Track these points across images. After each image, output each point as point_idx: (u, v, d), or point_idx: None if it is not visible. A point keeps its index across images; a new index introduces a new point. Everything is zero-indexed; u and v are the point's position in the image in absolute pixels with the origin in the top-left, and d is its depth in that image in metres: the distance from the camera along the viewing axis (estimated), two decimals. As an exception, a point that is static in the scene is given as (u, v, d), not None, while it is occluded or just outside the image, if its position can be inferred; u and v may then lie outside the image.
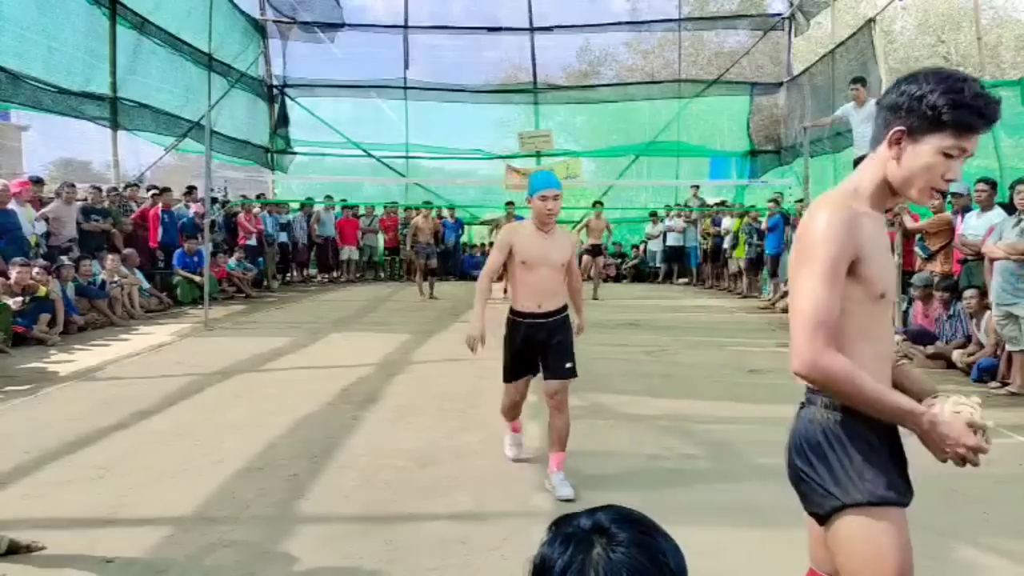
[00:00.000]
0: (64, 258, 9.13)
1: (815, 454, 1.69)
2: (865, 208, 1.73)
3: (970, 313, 7.03)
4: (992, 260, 6.31)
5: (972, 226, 7.07)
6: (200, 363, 7.03)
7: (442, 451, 4.53)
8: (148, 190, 12.54)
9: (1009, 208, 6.57)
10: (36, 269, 8.24)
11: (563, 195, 3.95)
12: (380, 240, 17.12)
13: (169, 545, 3.22)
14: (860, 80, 8.70)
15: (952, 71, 1.69)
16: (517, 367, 3.98)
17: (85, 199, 10.76)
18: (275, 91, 19.20)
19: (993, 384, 6.38)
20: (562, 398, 3.87)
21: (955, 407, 1.64)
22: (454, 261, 17.48)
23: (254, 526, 3.43)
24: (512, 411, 4.14)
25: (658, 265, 17.21)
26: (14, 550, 3.03)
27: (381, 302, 12.86)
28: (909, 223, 8.00)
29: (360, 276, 16.97)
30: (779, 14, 18.36)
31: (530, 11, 18.86)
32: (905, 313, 8.15)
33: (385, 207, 17.56)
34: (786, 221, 12.48)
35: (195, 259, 11.40)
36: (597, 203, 14.14)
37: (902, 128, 1.67)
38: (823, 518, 1.70)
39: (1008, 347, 6.31)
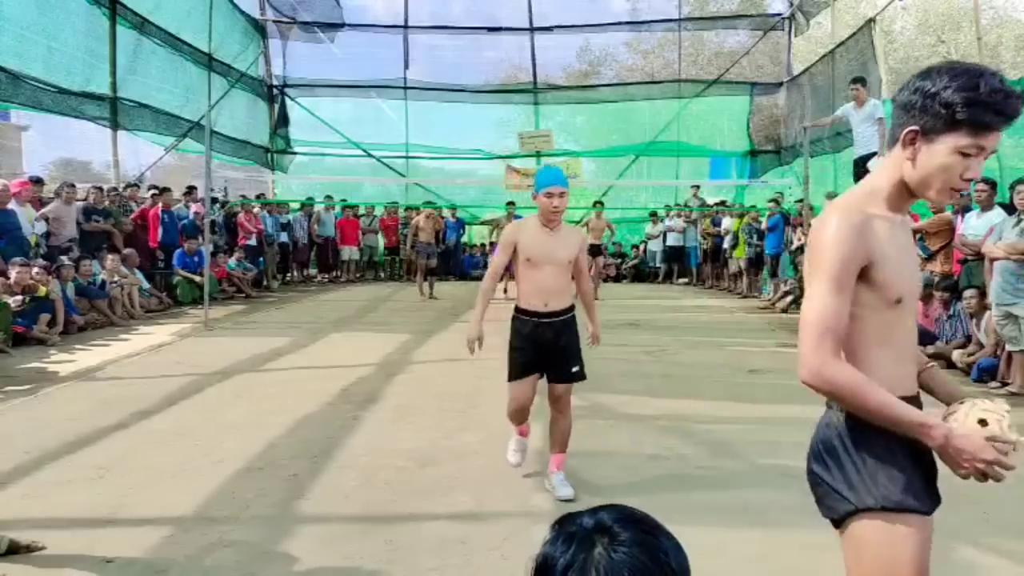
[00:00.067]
0: (64, 258, 9.13)
1: (831, 458, 1.67)
2: (881, 211, 1.68)
3: (970, 313, 7.03)
4: (992, 260, 6.31)
5: (972, 226, 7.07)
6: (200, 363, 7.03)
7: (442, 451, 4.53)
8: (148, 190, 12.53)
9: (1009, 208, 6.57)
10: (36, 269, 8.24)
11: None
12: (380, 240, 17.12)
13: (169, 545, 3.22)
14: (860, 80, 8.70)
15: (969, 65, 1.61)
16: (523, 364, 3.80)
17: (85, 199, 10.76)
18: (275, 91, 19.19)
19: (993, 384, 6.38)
20: (566, 401, 3.85)
21: (981, 413, 1.58)
22: (455, 261, 17.49)
23: (254, 526, 3.43)
24: (519, 415, 3.97)
25: (658, 265, 17.21)
26: (14, 550, 3.03)
27: (381, 302, 12.86)
28: (909, 223, 8.01)
29: (360, 276, 16.97)
30: (779, 14, 18.36)
31: (530, 11, 18.87)
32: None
33: (385, 207, 17.56)
34: (786, 221, 12.48)
35: (195, 259, 11.40)
36: (597, 203, 14.15)
37: (915, 128, 1.62)
38: (838, 523, 1.67)
39: (1008, 347, 6.31)
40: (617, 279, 17.16)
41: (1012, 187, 6.34)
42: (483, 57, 20.03)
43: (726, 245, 14.64)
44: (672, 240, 16.66)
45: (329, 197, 17.11)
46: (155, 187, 12.55)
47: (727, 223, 14.74)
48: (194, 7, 14.94)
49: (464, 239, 18.25)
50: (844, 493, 1.63)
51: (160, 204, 11.76)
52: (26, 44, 10.39)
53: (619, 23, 19.88)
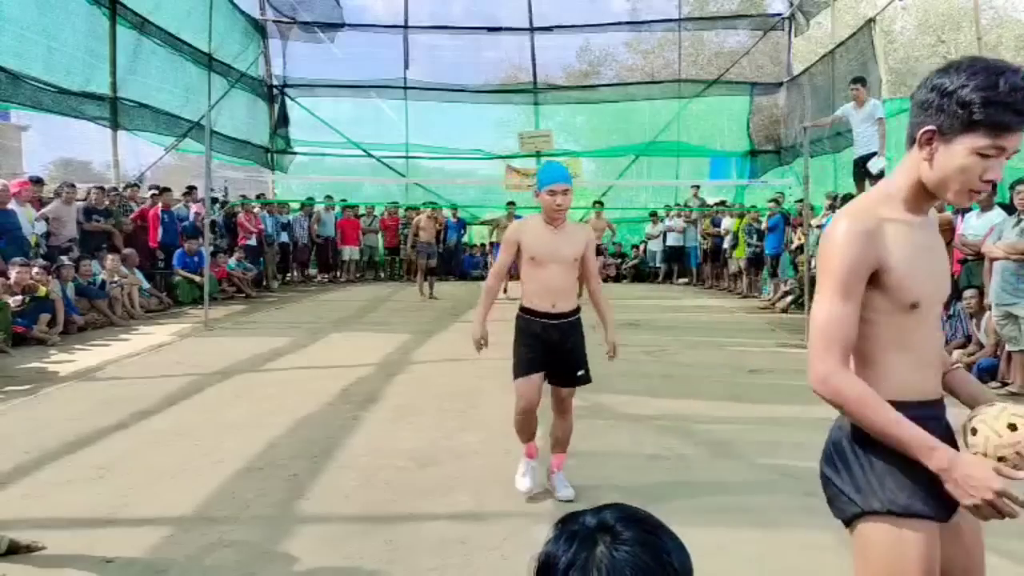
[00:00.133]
0: (64, 258, 9.13)
1: (840, 460, 1.66)
2: (898, 213, 1.63)
3: (970, 313, 7.03)
4: (992, 260, 6.31)
5: (972, 226, 7.07)
6: (200, 363, 7.03)
7: (442, 451, 4.53)
8: (149, 190, 12.53)
9: (1009, 208, 6.58)
10: (36, 269, 8.24)
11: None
12: (380, 240, 17.12)
13: (169, 545, 3.22)
14: (860, 80, 8.70)
15: (990, 61, 1.54)
16: (531, 361, 3.66)
17: (86, 199, 10.75)
18: (275, 91, 19.20)
19: (993, 384, 6.38)
20: (569, 403, 3.81)
21: (1011, 418, 1.53)
22: (455, 261, 17.50)
23: (254, 526, 3.43)
24: (526, 421, 3.77)
25: (658, 265, 17.21)
26: (14, 550, 3.03)
27: (381, 302, 12.86)
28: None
29: (360, 276, 16.98)
30: (779, 14, 18.36)
31: (530, 11, 18.87)
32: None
33: (386, 207, 17.56)
34: (786, 221, 12.49)
35: (195, 259, 11.40)
36: (597, 203, 14.14)
37: (932, 128, 1.56)
38: (847, 524, 1.66)
39: (1008, 347, 6.31)
40: (617, 279, 17.17)
41: (1012, 187, 6.35)
42: (483, 57, 20.05)
43: (726, 245, 14.64)
44: (672, 240, 16.66)
45: (329, 197, 17.12)
46: (155, 187, 12.56)
47: (727, 223, 14.74)
48: (194, 7, 14.95)
49: (464, 239, 18.25)
50: (852, 495, 1.62)
51: (160, 204, 11.76)
52: (26, 44, 10.39)
53: (619, 23, 19.89)
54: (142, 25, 13.14)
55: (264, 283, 14.28)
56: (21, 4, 10.35)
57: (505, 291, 12.59)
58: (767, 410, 5.54)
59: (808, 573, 3.05)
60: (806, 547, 3.22)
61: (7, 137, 18.40)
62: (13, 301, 7.72)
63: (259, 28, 18.38)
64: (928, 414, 1.63)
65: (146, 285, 10.79)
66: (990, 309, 6.51)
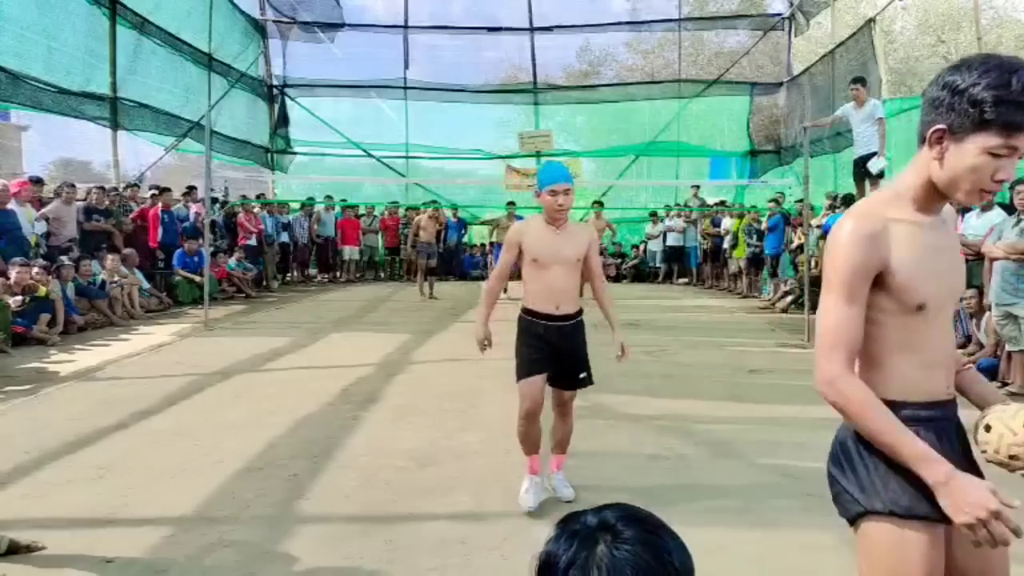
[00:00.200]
0: (64, 258, 9.13)
1: (846, 459, 1.66)
2: (906, 214, 1.61)
3: (970, 313, 7.03)
4: (992, 260, 6.31)
5: (972, 226, 7.07)
6: (200, 363, 7.03)
7: (442, 451, 4.53)
8: (149, 190, 12.53)
9: (1009, 208, 6.58)
10: (36, 269, 8.24)
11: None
12: (380, 240, 17.12)
13: (169, 545, 3.22)
14: (860, 80, 8.70)
15: (1004, 59, 1.50)
16: (535, 362, 3.60)
17: (85, 199, 10.75)
18: (275, 91, 19.20)
19: (993, 384, 6.38)
20: (571, 406, 3.79)
21: None
22: (456, 261, 17.50)
23: (254, 526, 3.43)
24: (531, 426, 3.66)
25: (658, 265, 17.21)
26: (14, 550, 3.03)
27: (381, 302, 12.86)
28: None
29: (360, 276, 16.98)
30: (779, 14, 18.37)
31: (530, 11, 18.87)
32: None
33: (386, 207, 17.56)
34: (786, 221, 12.49)
35: (195, 259, 11.40)
36: (596, 203, 14.12)
37: (942, 127, 1.53)
38: (850, 523, 1.67)
39: (1008, 347, 6.31)
40: (617, 279, 17.16)
41: (1012, 187, 6.34)
42: (483, 57, 20.05)
43: (726, 245, 14.64)
44: (672, 240, 16.66)
45: (329, 197, 17.12)
46: (155, 187, 12.56)
47: (727, 223, 14.74)
48: (194, 7, 14.95)
49: (465, 239, 18.26)
50: (856, 495, 1.62)
51: (160, 204, 11.76)
52: (26, 44, 10.40)
53: (619, 23, 19.89)
54: (142, 25, 13.14)
55: (264, 283, 14.28)
56: (21, 4, 10.35)
57: (505, 291, 12.60)
58: (767, 410, 5.54)
59: (808, 573, 3.05)
60: (806, 547, 3.22)
61: (7, 137, 18.40)
62: (13, 302, 7.72)
63: (259, 28, 18.38)
64: (937, 415, 1.62)
65: (146, 285, 10.79)
66: (990, 309, 6.51)
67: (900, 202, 1.63)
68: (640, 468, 4.24)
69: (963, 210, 7.44)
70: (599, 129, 21.41)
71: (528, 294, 3.66)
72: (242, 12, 17.26)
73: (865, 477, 1.62)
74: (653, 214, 17.50)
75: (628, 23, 20.02)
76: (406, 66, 19.24)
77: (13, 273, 7.97)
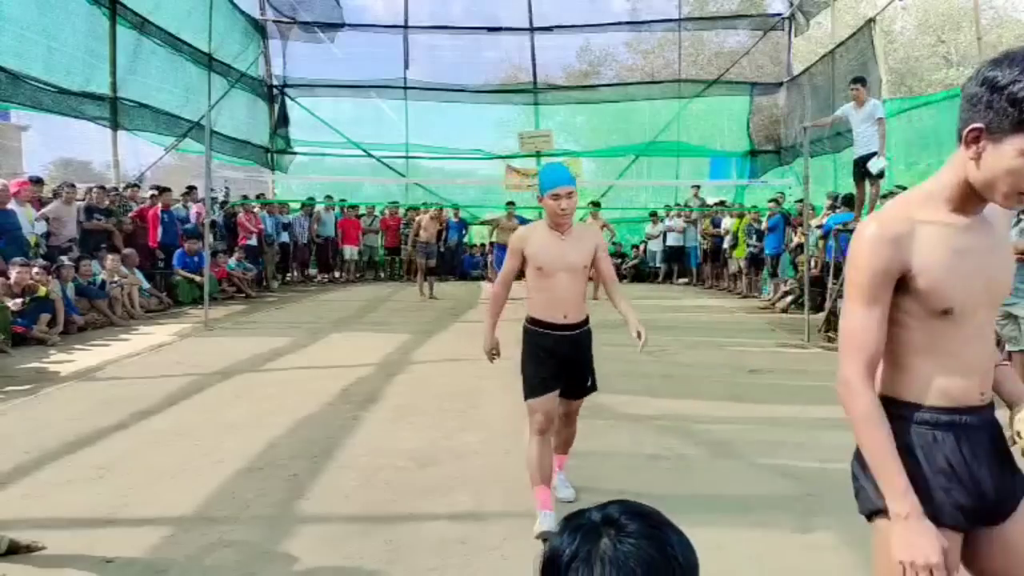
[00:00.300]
0: (64, 258, 9.13)
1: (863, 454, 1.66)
2: (939, 215, 1.55)
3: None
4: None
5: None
6: (200, 363, 7.03)
7: (442, 451, 4.53)
8: (149, 190, 12.53)
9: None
10: (36, 269, 8.24)
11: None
12: (380, 240, 17.12)
13: (169, 545, 3.22)
14: (860, 80, 8.69)
15: None
16: (546, 380, 3.41)
17: (84, 199, 10.75)
18: (275, 91, 19.21)
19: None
20: (577, 413, 3.74)
21: None
22: (456, 261, 17.51)
23: (254, 526, 3.43)
24: (543, 450, 3.40)
25: (658, 265, 17.21)
26: (14, 550, 3.03)
27: (381, 302, 12.86)
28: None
29: (360, 276, 16.98)
30: (779, 14, 18.37)
31: (530, 11, 18.88)
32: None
33: (387, 207, 17.56)
34: (786, 221, 12.49)
35: (195, 259, 11.40)
36: (593, 203, 14.10)
37: (979, 126, 1.44)
38: (867, 519, 1.68)
39: (1008, 347, 6.30)
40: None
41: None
42: (483, 57, 20.07)
43: (726, 245, 14.64)
44: (672, 240, 16.67)
45: (329, 197, 17.13)
46: (156, 187, 12.56)
47: (727, 223, 14.75)
48: (194, 7, 14.95)
49: (465, 239, 18.27)
50: (871, 493, 1.63)
51: (160, 204, 11.76)
52: (26, 44, 10.40)
53: (619, 23, 19.90)
54: (142, 25, 13.14)
55: (264, 283, 14.29)
56: (21, 4, 10.35)
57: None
58: (767, 410, 5.54)
59: (808, 573, 3.05)
60: (806, 547, 3.22)
61: (7, 137, 18.40)
62: (12, 304, 7.72)
63: (259, 28, 18.39)
64: (963, 420, 1.58)
65: (146, 285, 10.79)
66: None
67: (932, 203, 1.57)
68: (640, 468, 4.24)
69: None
70: (599, 129, 21.42)
71: (533, 303, 3.50)
72: (242, 12, 17.26)
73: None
74: (653, 214, 17.50)
75: (628, 23, 20.03)
76: (406, 66, 19.25)
77: (13, 273, 7.97)
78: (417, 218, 13.92)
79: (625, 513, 0.95)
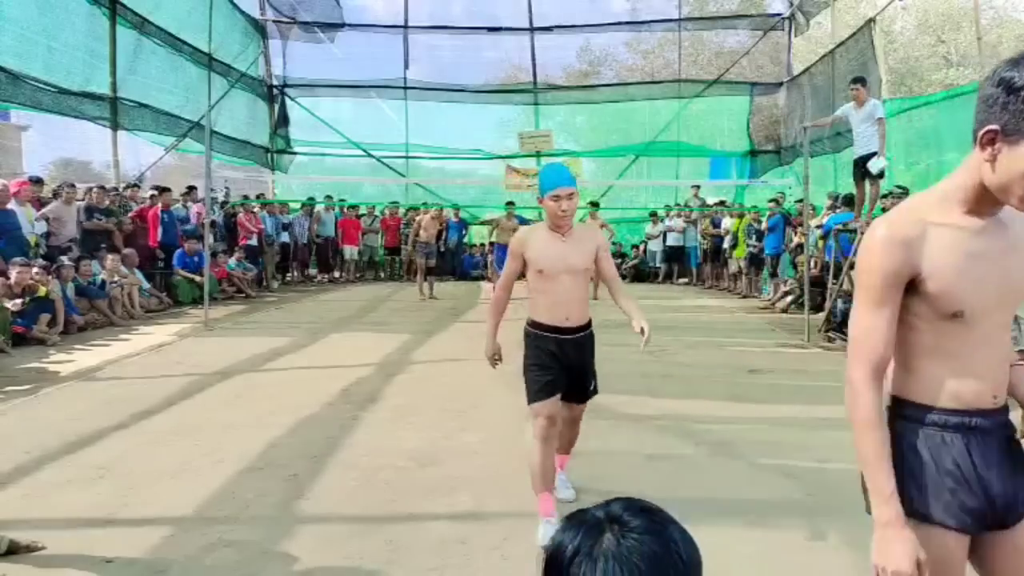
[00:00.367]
0: (64, 258, 9.13)
1: None
2: (952, 217, 1.52)
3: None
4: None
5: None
6: (200, 363, 7.03)
7: (442, 451, 4.52)
8: (150, 190, 12.52)
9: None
10: (36, 269, 8.24)
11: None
12: (380, 240, 17.12)
13: (169, 545, 3.22)
14: (860, 80, 8.69)
15: None
16: (549, 384, 3.36)
17: (84, 198, 10.74)
18: (275, 91, 19.21)
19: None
20: (580, 417, 3.70)
21: None
22: (456, 261, 17.51)
23: (254, 526, 3.43)
24: (546, 454, 3.35)
25: (658, 265, 17.21)
26: (14, 550, 3.03)
27: (381, 302, 12.86)
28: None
29: (360, 276, 16.98)
30: (779, 14, 18.37)
31: (530, 11, 18.88)
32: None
33: (387, 207, 17.56)
34: (786, 221, 12.49)
35: (195, 259, 11.40)
36: (592, 203, 14.09)
37: (995, 128, 1.41)
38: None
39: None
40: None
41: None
42: (483, 57, 20.05)
43: (726, 245, 14.64)
44: (672, 240, 16.67)
45: (329, 197, 17.13)
46: (156, 187, 12.55)
47: (727, 223, 14.75)
48: (194, 7, 14.95)
49: (465, 239, 18.27)
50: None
51: (160, 204, 11.76)
52: (26, 44, 10.39)
53: (619, 23, 19.89)
54: (142, 25, 13.14)
55: (264, 283, 14.29)
56: (21, 4, 10.35)
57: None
58: (767, 410, 5.54)
59: (808, 573, 3.05)
60: (806, 547, 3.22)
61: (7, 137, 18.39)
62: (12, 305, 7.71)
63: (259, 28, 18.39)
64: (973, 422, 1.57)
65: (146, 285, 10.79)
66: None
67: (946, 205, 1.54)
68: (640, 468, 4.24)
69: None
70: (599, 129, 21.42)
71: (535, 306, 3.45)
72: (242, 12, 17.26)
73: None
74: (653, 214, 17.50)
75: (628, 23, 20.02)
76: (406, 66, 19.25)
77: (13, 273, 7.97)
78: (418, 218, 13.92)
79: (628, 509, 0.95)
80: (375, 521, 3.52)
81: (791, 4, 17.56)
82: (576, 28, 19.56)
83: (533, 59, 19.38)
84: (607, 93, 20.23)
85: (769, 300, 12.21)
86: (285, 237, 15.53)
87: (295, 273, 16.42)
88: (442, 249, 16.13)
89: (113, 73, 12.33)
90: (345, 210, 16.88)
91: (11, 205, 8.87)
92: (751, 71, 20.47)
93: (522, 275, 3.56)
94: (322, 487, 3.92)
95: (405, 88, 19.18)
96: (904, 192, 8.98)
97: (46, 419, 5.15)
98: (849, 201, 9.82)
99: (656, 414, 5.37)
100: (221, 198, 14.58)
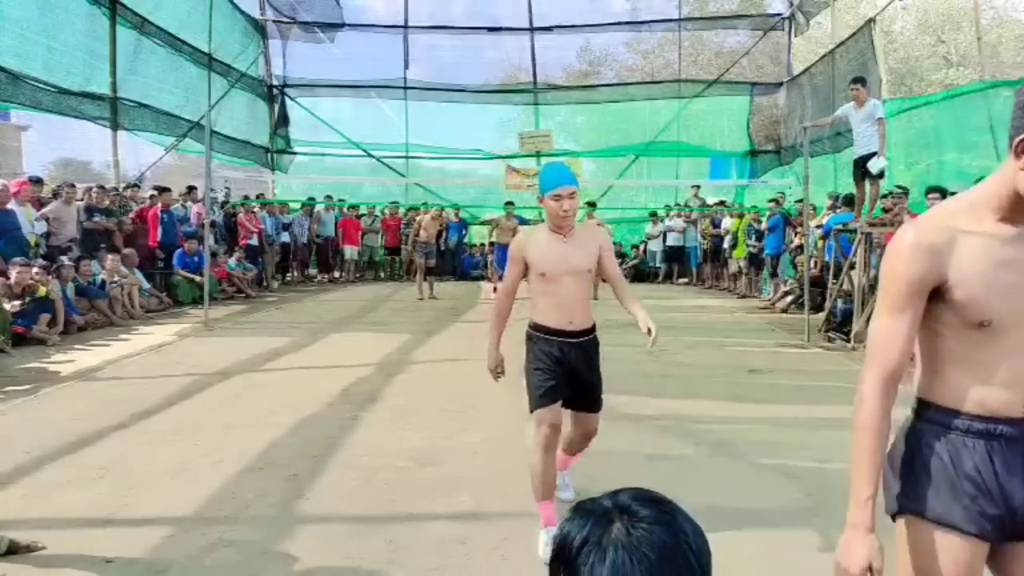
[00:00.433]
0: (64, 258, 9.13)
1: (895, 454, 1.67)
2: (982, 225, 1.49)
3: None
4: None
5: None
6: (200, 363, 7.03)
7: (442, 451, 4.53)
8: (150, 190, 12.52)
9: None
10: (36, 269, 8.24)
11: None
12: (380, 240, 17.12)
13: (169, 545, 3.22)
14: (860, 80, 8.69)
15: None
16: (552, 389, 3.26)
17: (83, 198, 10.74)
18: (275, 91, 19.21)
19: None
20: (596, 430, 3.56)
21: None
22: (456, 261, 17.51)
23: (254, 526, 3.43)
24: (547, 461, 3.26)
25: (658, 265, 17.21)
26: (14, 550, 3.03)
27: (381, 302, 12.86)
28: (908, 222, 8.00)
29: (360, 276, 16.98)
30: (779, 14, 18.38)
31: (530, 11, 18.88)
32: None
33: (387, 207, 17.56)
34: (786, 221, 12.49)
35: (195, 259, 11.40)
36: (589, 204, 14.07)
37: None
38: (892, 518, 1.68)
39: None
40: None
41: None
42: (483, 57, 20.06)
43: (726, 245, 14.64)
44: (672, 240, 16.67)
45: (329, 197, 17.13)
46: (156, 187, 12.55)
47: (727, 223, 14.75)
48: (194, 7, 14.95)
49: (465, 239, 18.27)
50: (894, 491, 1.64)
51: (160, 204, 11.76)
52: (26, 44, 10.39)
53: (619, 23, 19.90)
54: (142, 25, 13.14)
55: (264, 283, 14.29)
56: (21, 4, 10.35)
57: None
58: (767, 410, 5.54)
59: (808, 573, 3.04)
60: (806, 547, 3.22)
61: (7, 137, 18.39)
62: (11, 306, 7.71)
63: (259, 28, 18.39)
64: (999, 430, 1.54)
65: (146, 285, 10.79)
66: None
67: (977, 212, 1.51)
68: (640, 468, 4.24)
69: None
70: (599, 129, 21.42)
71: (537, 309, 3.36)
72: (242, 12, 17.26)
73: (906, 477, 1.63)
74: (653, 214, 17.50)
75: (628, 23, 20.03)
76: (406, 66, 19.25)
77: (13, 273, 7.97)
78: (418, 218, 13.92)
79: (637, 500, 0.94)
80: (375, 521, 3.52)
81: (791, 4, 17.56)
82: (576, 28, 19.57)
83: (533, 59, 19.38)
84: (607, 93, 20.23)
85: (769, 300, 12.21)
86: (285, 237, 15.53)
87: (295, 273, 16.42)
88: (442, 248, 16.13)
89: (113, 73, 12.33)
90: (345, 210, 16.88)
91: (11, 205, 8.87)
92: (751, 71, 20.48)
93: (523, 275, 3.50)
94: (322, 487, 3.92)
95: (405, 88, 19.18)
96: (904, 192, 8.98)
97: (46, 419, 5.15)
98: (849, 201, 9.82)
99: (656, 414, 5.37)
100: (221, 198, 14.58)
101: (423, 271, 13.01)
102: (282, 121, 19.37)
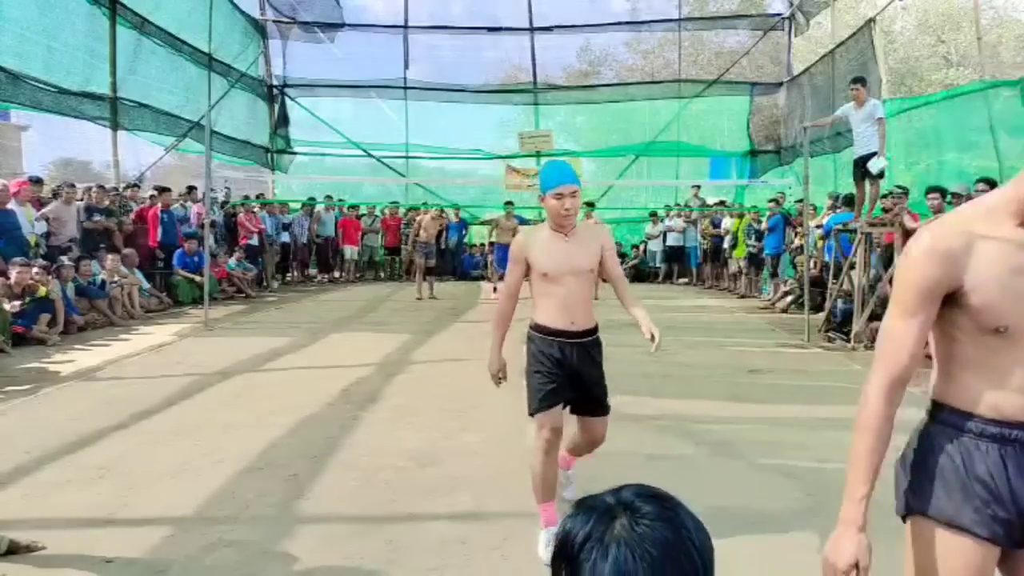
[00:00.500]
0: (64, 258, 9.13)
1: (907, 455, 1.67)
2: (1000, 230, 1.48)
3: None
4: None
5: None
6: (200, 363, 7.03)
7: (442, 451, 4.53)
8: (150, 190, 12.52)
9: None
10: (36, 269, 8.24)
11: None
12: (380, 240, 17.12)
13: (169, 545, 3.22)
14: (860, 80, 8.69)
15: None
16: (553, 391, 3.20)
17: (82, 198, 10.74)
18: (275, 91, 19.21)
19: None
20: (604, 436, 3.46)
21: None
22: (456, 261, 17.51)
23: (254, 526, 3.43)
24: (548, 464, 3.23)
25: (658, 265, 17.21)
26: (14, 550, 3.03)
27: (381, 302, 12.86)
28: (909, 223, 8.00)
29: (360, 276, 16.98)
30: (779, 14, 18.38)
31: (530, 11, 18.88)
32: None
33: (387, 207, 17.56)
34: (786, 221, 12.49)
35: (195, 259, 11.40)
36: (587, 204, 14.06)
37: None
38: (902, 519, 1.68)
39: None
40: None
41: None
42: (483, 57, 20.06)
43: (726, 245, 14.64)
44: (672, 240, 16.67)
45: (329, 197, 17.14)
46: (156, 187, 12.55)
47: (727, 223, 14.75)
48: (194, 7, 14.95)
49: (465, 239, 18.27)
50: (905, 492, 1.64)
51: (160, 204, 11.76)
52: (26, 44, 10.39)
53: (619, 23, 19.90)
54: (142, 25, 13.14)
55: (264, 283, 14.29)
56: (21, 4, 10.35)
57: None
58: (767, 410, 5.54)
59: (808, 573, 3.04)
60: (806, 547, 3.21)
61: (7, 137, 18.40)
62: (11, 306, 7.71)
63: (259, 28, 18.39)
64: (1012, 434, 1.53)
65: (146, 285, 10.79)
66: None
67: (995, 217, 1.49)
68: (640, 468, 4.24)
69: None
70: (599, 129, 21.43)
71: (538, 309, 3.31)
72: (242, 12, 17.26)
73: (915, 476, 1.63)
74: (653, 214, 17.50)
75: (628, 23, 20.03)
76: (406, 66, 19.26)
77: (13, 273, 7.97)
78: (418, 218, 13.92)
79: (639, 496, 0.94)
80: (375, 521, 3.52)
81: (791, 4, 17.56)
82: (576, 28, 19.57)
83: (533, 59, 19.38)
84: (607, 93, 20.23)
85: (769, 300, 12.21)
86: (285, 237, 15.53)
87: (295, 273, 16.42)
88: (442, 248, 16.13)
89: (113, 73, 12.33)
90: (345, 210, 16.87)
91: (11, 205, 8.87)
92: (751, 71, 20.48)
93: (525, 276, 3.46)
94: (322, 487, 3.92)
95: (405, 88, 19.19)
96: (904, 192, 8.98)
97: (46, 419, 5.15)
98: (849, 201, 9.82)
99: (656, 414, 5.37)
100: (221, 198, 14.58)
101: (423, 271, 13.01)
102: (282, 121, 19.38)
